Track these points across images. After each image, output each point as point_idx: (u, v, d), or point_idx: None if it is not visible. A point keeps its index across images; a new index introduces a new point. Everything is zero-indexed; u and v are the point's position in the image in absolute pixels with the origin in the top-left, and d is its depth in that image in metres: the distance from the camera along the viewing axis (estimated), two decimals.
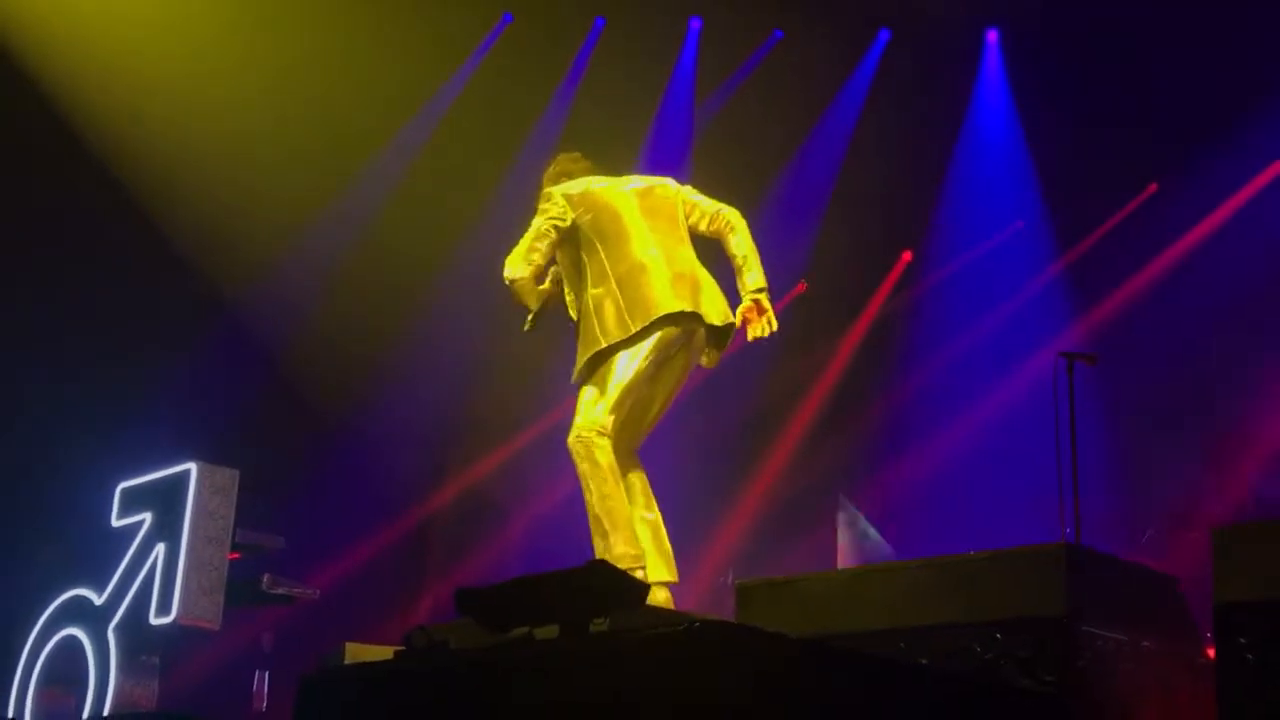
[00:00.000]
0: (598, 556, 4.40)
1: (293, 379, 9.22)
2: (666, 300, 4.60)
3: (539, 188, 4.92)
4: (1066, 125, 9.44)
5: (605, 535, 4.43)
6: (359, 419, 9.40)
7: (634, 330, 4.56)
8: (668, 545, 4.61)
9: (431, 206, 9.44)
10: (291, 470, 8.61)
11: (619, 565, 4.24)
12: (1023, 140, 9.81)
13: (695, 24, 9.97)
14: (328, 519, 8.82)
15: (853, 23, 9.73)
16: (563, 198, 4.75)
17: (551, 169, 4.96)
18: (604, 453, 4.47)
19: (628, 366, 4.56)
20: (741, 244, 4.75)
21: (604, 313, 4.59)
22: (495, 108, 9.44)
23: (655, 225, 4.74)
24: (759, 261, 4.71)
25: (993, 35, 9.95)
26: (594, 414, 4.52)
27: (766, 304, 4.67)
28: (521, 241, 4.70)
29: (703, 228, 4.82)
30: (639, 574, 4.33)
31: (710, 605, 7.58)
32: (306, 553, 7.60)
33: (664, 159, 9.62)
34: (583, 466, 4.48)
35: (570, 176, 4.87)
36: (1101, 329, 9.16)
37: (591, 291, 4.65)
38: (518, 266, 4.65)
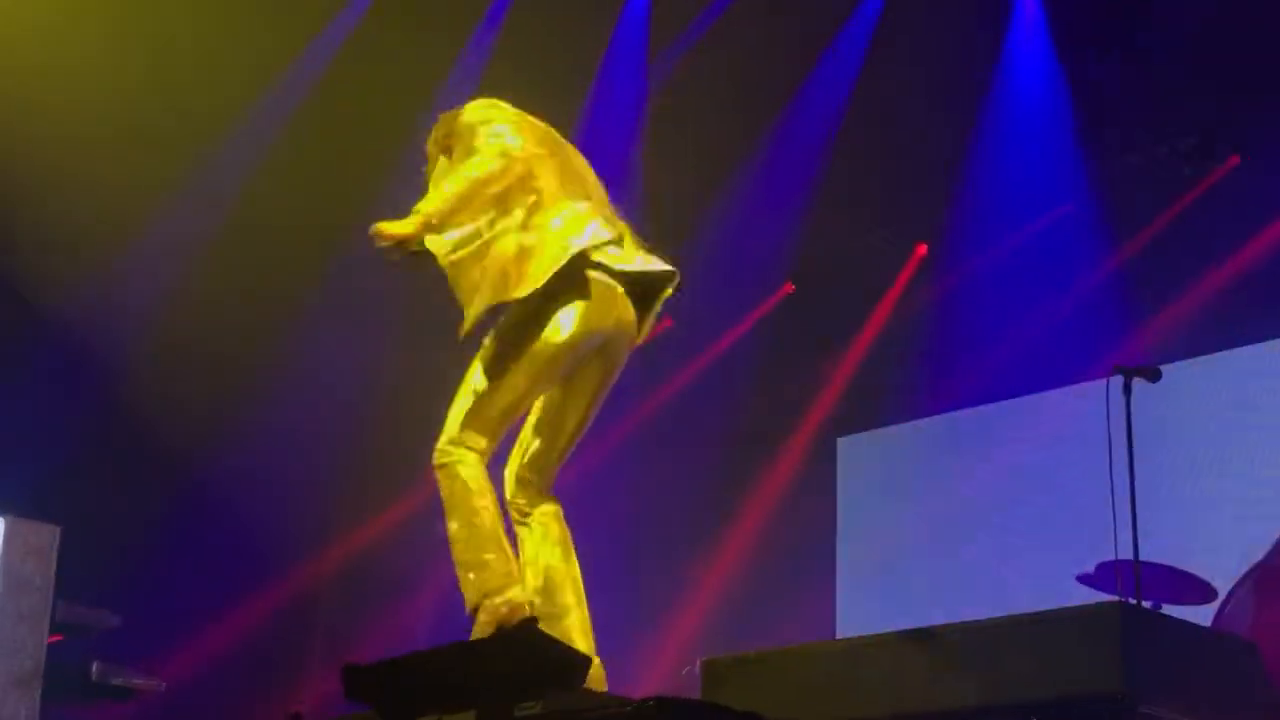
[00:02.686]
0: (471, 597, 4.43)
1: (132, 410, 9.20)
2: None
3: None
4: (1124, 81, 9.56)
5: (475, 565, 4.45)
6: (220, 460, 9.39)
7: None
8: (585, 611, 4.65)
9: (309, 190, 9.46)
10: (130, 527, 8.59)
11: (496, 589, 4.34)
12: (1068, 100, 9.92)
13: None
14: (178, 589, 8.80)
15: None
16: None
17: (437, 131, 5.02)
18: (467, 466, 4.54)
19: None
20: None
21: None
22: (388, 64, 9.47)
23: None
24: None
25: None
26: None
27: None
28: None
29: None
30: (511, 592, 4.38)
31: (672, 691, 7.62)
32: (150, 633, 7.57)
33: (606, 132, 9.67)
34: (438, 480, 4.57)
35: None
36: (1166, 337, 9.28)
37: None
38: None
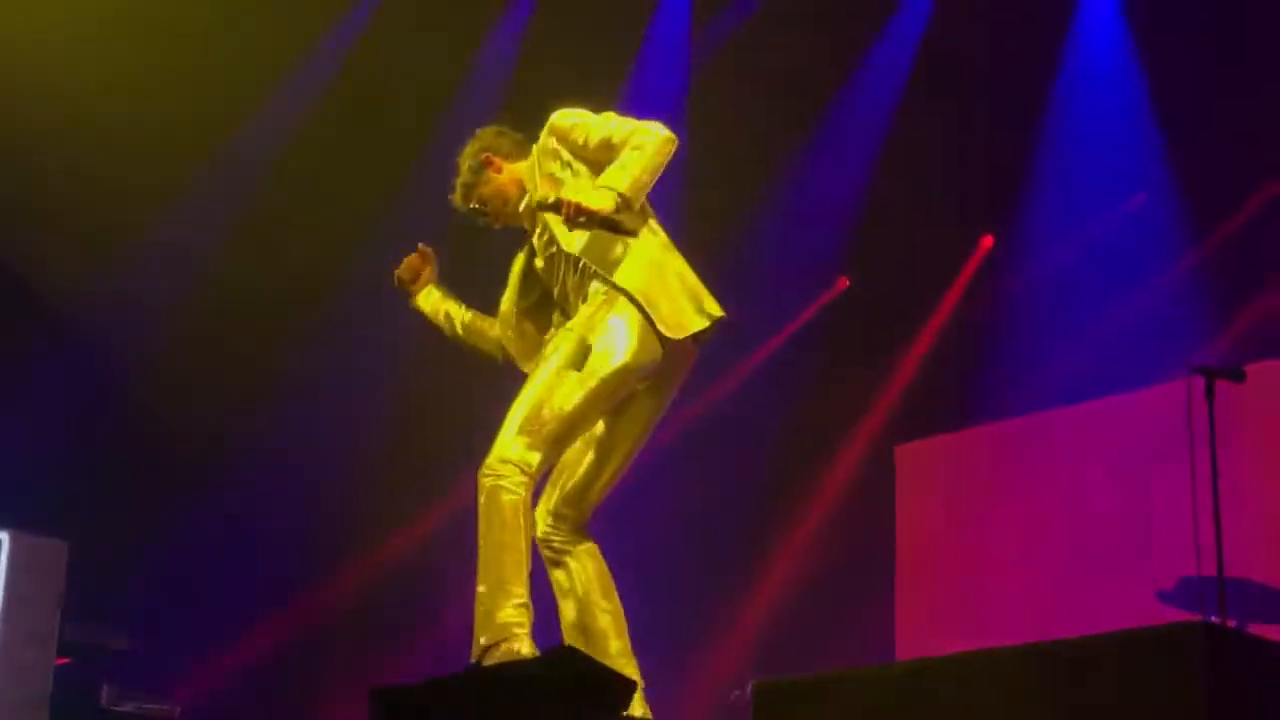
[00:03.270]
0: (481, 635, 4.47)
1: (143, 421, 9.25)
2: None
3: (458, 173, 5.11)
4: (1206, 60, 9.51)
5: (492, 606, 4.49)
6: (235, 475, 9.43)
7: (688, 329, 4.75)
8: (628, 641, 4.72)
9: (329, 184, 9.50)
10: (140, 543, 8.64)
11: (506, 637, 4.38)
12: (1143, 81, 9.88)
13: None
14: (191, 609, 8.84)
15: None
16: None
17: (472, 145, 5.13)
18: (510, 494, 4.58)
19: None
20: None
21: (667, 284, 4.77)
22: (410, 53, 9.50)
23: None
24: None
25: None
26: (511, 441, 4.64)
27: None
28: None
29: None
30: (518, 644, 4.42)
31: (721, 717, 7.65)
32: (163, 655, 7.62)
33: (647, 111, 9.65)
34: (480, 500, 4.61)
35: (499, 154, 5.07)
36: (1250, 335, 9.23)
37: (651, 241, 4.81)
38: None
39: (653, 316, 4.68)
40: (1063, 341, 9.85)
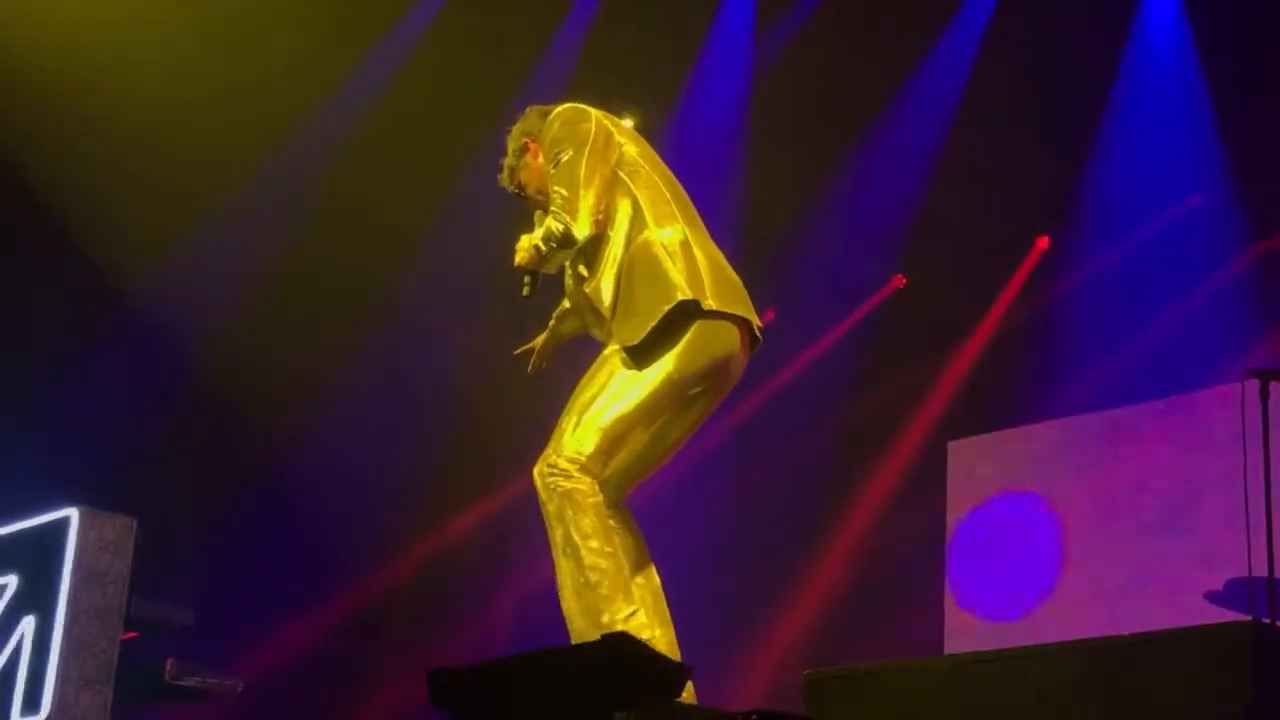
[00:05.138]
0: (576, 630, 4.43)
1: (207, 401, 9.33)
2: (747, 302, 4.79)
3: (505, 153, 5.06)
4: (1265, 62, 9.44)
5: (595, 604, 4.47)
6: (296, 456, 9.50)
7: (727, 310, 4.65)
8: (670, 620, 4.68)
9: (390, 178, 9.55)
10: (206, 521, 8.70)
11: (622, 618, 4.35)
12: (1202, 84, 9.82)
13: None
14: (254, 586, 8.90)
15: None
16: (603, 116, 4.88)
17: (518, 126, 5.07)
18: (585, 494, 4.55)
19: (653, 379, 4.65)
20: None
21: (691, 261, 4.67)
22: (475, 48, 9.53)
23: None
24: None
25: None
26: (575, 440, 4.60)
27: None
28: (579, 190, 4.72)
29: None
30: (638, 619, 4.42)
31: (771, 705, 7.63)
32: (226, 631, 7.67)
33: (709, 109, 9.66)
34: (551, 501, 4.56)
35: (538, 138, 4.98)
36: None
37: (655, 233, 4.72)
38: (587, 224, 4.70)
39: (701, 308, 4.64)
40: (1116, 342, 9.82)
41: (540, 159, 4.95)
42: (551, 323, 5.15)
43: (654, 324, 4.59)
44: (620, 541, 4.65)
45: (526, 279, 4.74)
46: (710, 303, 4.62)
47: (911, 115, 10.20)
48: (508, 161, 5.07)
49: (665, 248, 4.67)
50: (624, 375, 4.65)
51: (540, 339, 5.15)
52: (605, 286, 4.71)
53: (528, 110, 5.10)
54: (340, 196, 9.48)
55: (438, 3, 9.49)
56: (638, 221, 4.73)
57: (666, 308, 4.59)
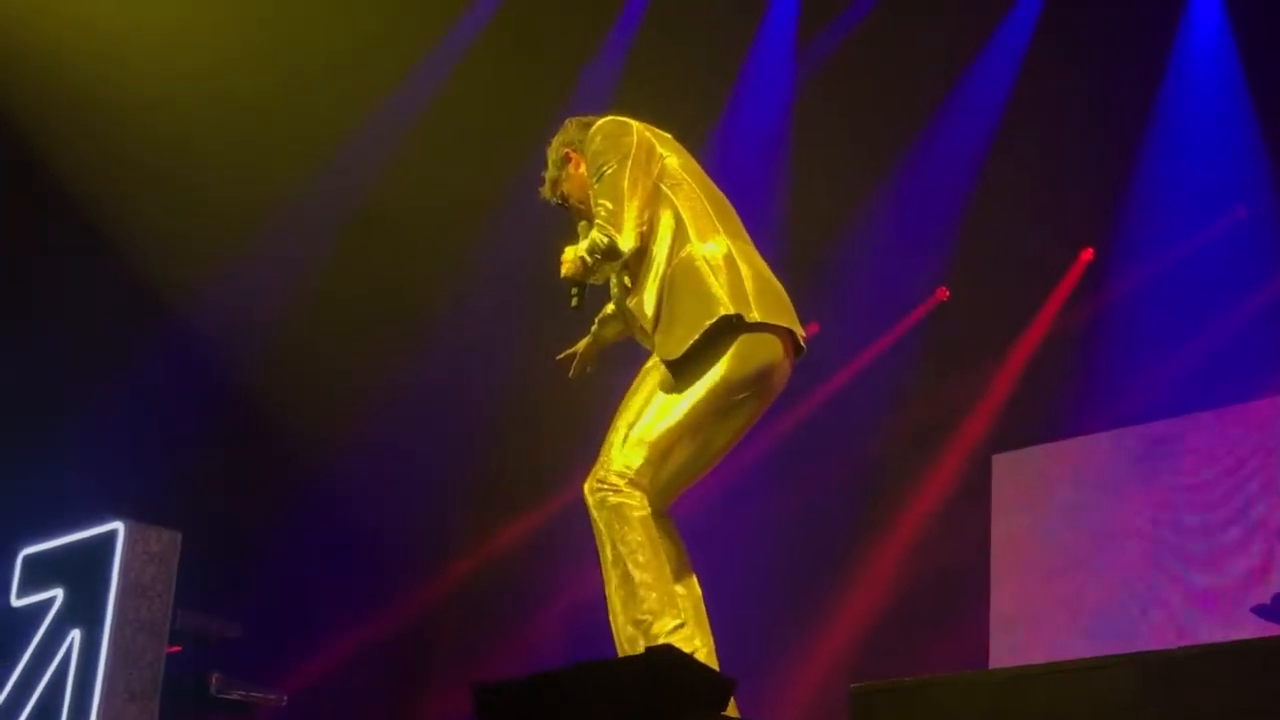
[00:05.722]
0: (624, 644, 4.45)
1: (252, 414, 9.35)
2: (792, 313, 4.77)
3: (546, 166, 5.07)
4: None
5: (642, 617, 4.47)
6: (341, 468, 9.51)
7: (771, 322, 4.65)
8: (709, 631, 4.68)
9: (437, 185, 9.57)
10: (251, 535, 8.72)
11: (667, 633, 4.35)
12: (1247, 93, 9.75)
13: None
14: (299, 600, 8.91)
15: None
16: (644, 128, 4.88)
17: (559, 138, 5.07)
18: (636, 509, 4.56)
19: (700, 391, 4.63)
20: None
21: (735, 274, 4.66)
22: (522, 57, 9.55)
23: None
24: None
25: None
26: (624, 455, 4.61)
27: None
28: (624, 202, 4.71)
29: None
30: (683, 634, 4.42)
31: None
32: (270, 645, 7.68)
33: (751, 125, 9.64)
34: (600, 516, 4.57)
35: (579, 149, 4.98)
36: None
37: (698, 247, 4.71)
38: (632, 236, 4.70)
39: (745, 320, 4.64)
40: (1161, 355, 9.74)
41: (583, 169, 4.95)
42: (594, 327, 5.17)
43: (696, 338, 4.60)
44: (664, 551, 4.66)
45: (574, 291, 4.73)
46: (754, 315, 4.63)
47: (955, 129, 10.17)
48: (549, 174, 5.09)
49: (708, 261, 4.68)
50: (668, 388, 4.67)
51: (583, 343, 5.18)
52: (648, 300, 4.73)
53: (566, 122, 5.11)
54: (386, 206, 9.51)
55: (485, 14, 9.53)
56: (680, 235, 4.74)
57: (709, 322, 4.60)
